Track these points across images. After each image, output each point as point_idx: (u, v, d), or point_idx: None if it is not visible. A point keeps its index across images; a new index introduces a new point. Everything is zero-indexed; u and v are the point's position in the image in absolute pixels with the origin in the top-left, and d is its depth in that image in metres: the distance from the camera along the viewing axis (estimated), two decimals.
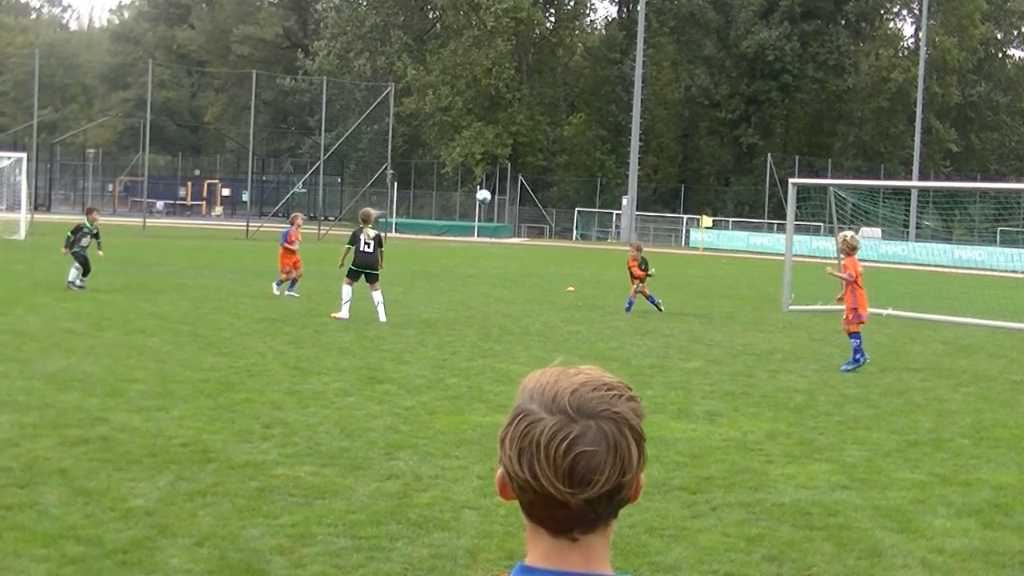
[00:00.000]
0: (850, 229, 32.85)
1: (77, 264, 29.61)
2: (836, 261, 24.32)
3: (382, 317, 25.27)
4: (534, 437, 2.15)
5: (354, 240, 26.19)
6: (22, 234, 57.04)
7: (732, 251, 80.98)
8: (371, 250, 25.91)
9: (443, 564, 8.68)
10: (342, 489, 10.68)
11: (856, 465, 12.65)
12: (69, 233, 29.89)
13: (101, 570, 8.31)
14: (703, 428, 14.48)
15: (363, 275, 25.87)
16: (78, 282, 29.32)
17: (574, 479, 2.12)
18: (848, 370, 20.62)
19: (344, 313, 25.50)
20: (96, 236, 30.20)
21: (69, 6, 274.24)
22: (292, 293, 30.57)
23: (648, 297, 30.43)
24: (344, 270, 26.18)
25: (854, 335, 20.93)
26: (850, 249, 21.36)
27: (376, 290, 25.62)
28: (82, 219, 31.02)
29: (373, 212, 27.51)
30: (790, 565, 9.03)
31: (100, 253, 30.60)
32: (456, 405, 15.44)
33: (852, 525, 10.18)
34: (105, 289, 29.80)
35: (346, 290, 25.66)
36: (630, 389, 2.22)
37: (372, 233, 26.04)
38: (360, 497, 10.43)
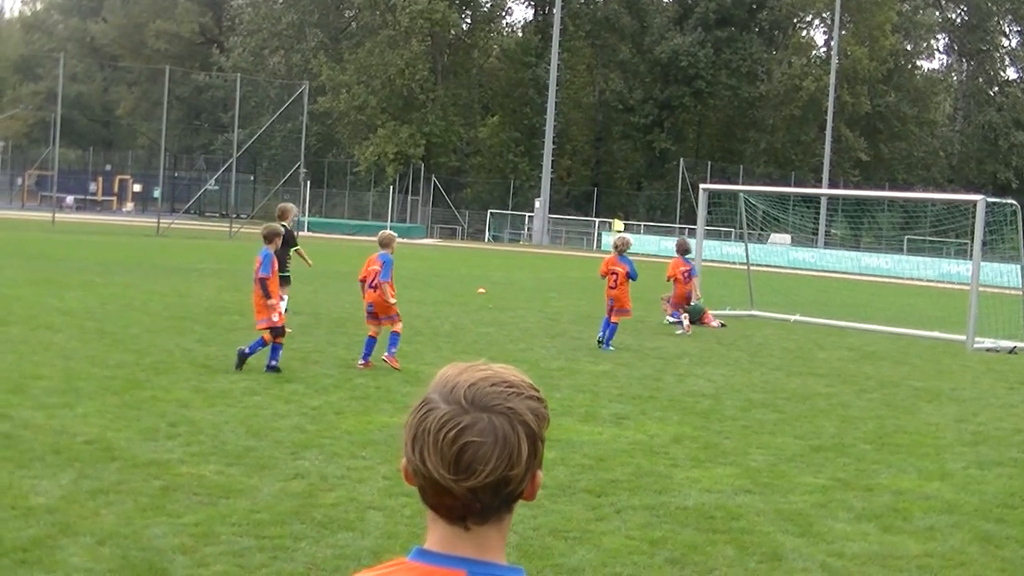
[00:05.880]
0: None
1: None
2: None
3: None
4: (427, 425, 2.27)
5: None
6: None
7: (643, 255, 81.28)
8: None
9: (347, 564, 8.68)
10: (247, 488, 10.65)
11: (760, 469, 12.79)
12: None
13: (0, 569, 8.24)
14: (609, 431, 14.56)
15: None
16: None
17: (459, 467, 2.23)
18: None
19: None
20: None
21: None
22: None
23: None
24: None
25: None
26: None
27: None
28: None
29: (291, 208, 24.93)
30: (692, 568, 9.12)
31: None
32: (363, 405, 15.44)
33: (754, 529, 10.30)
34: (10, 284, 29.45)
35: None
36: (536, 390, 2.33)
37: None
38: (265, 497, 10.41)
